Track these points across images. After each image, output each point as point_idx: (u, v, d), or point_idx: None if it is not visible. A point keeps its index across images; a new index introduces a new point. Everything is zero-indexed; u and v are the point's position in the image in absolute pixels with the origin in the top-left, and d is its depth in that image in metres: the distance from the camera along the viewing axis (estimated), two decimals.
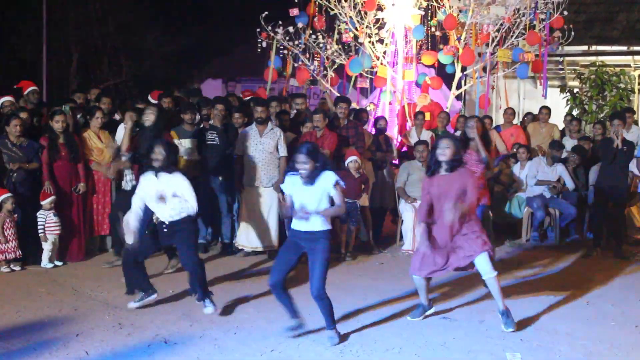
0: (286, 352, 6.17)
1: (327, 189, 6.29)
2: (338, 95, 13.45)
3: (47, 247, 8.99)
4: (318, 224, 6.32)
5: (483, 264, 6.73)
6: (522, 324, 6.87)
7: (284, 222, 9.70)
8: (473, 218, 6.83)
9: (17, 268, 8.80)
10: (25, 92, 10.63)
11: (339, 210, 6.39)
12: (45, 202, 8.96)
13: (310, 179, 6.26)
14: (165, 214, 7.11)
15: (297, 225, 6.40)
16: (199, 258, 7.32)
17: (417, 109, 13.06)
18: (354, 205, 9.80)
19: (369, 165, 10.60)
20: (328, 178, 6.27)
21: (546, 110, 12.77)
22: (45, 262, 9.00)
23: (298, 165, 6.28)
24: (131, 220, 7.15)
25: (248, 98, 11.72)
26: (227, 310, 7.25)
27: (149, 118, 8.91)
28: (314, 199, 6.28)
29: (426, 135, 11.87)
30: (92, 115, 9.69)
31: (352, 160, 9.78)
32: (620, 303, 7.73)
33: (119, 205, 8.96)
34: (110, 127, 9.95)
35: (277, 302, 6.57)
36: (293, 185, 6.39)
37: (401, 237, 10.51)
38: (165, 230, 7.18)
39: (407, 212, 10.24)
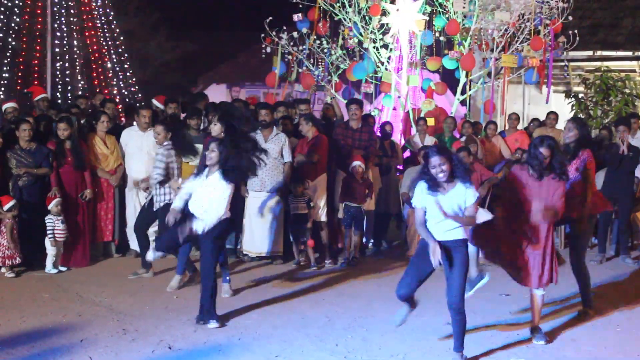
0: (290, 357, 6.15)
1: (462, 204, 5.92)
2: (343, 100, 13.44)
3: (51, 252, 8.98)
4: (456, 233, 5.96)
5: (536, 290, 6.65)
6: (527, 330, 6.86)
7: (288, 227, 9.70)
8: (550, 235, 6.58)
9: (13, 274, 8.76)
10: (36, 99, 10.63)
11: (470, 220, 6.00)
12: (51, 205, 8.95)
13: (449, 181, 5.88)
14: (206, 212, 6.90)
15: (433, 234, 6.04)
16: (214, 275, 7.01)
17: (422, 115, 13.05)
18: (359, 209, 9.79)
19: (375, 171, 10.60)
20: (470, 195, 5.91)
21: (554, 115, 12.76)
22: (49, 268, 8.99)
23: (435, 170, 5.88)
24: (177, 202, 7.09)
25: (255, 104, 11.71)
26: (231, 317, 7.23)
27: (215, 129, 8.13)
28: (450, 208, 5.92)
29: (430, 140, 11.86)
30: (98, 120, 9.71)
31: (355, 166, 9.76)
32: (625, 309, 7.71)
33: (144, 220, 8.86)
34: (115, 132, 9.97)
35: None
36: (425, 196, 5.98)
37: (406, 242, 10.49)
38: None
39: (412, 218, 10.22)
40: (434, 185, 5.94)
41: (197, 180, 7.05)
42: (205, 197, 6.89)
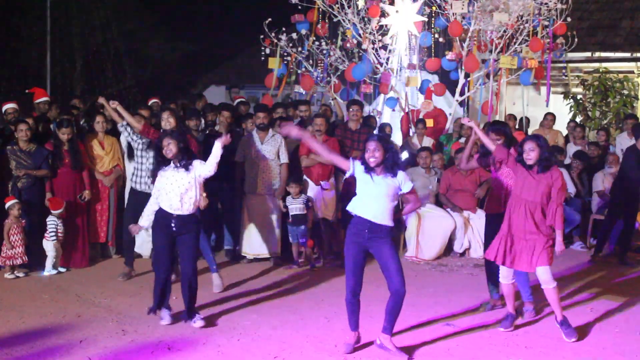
0: (289, 358, 6.17)
1: (397, 191, 6.16)
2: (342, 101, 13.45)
3: (51, 253, 8.99)
4: (382, 217, 6.13)
5: (543, 274, 6.70)
6: (525, 331, 6.88)
7: (286, 228, 9.70)
8: (554, 219, 6.70)
9: (22, 274, 8.81)
10: (36, 101, 10.62)
11: (415, 207, 6.52)
12: (60, 210, 8.95)
13: (380, 169, 6.11)
14: (178, 205, 6.89)
15: (359, 211, 6.19)
16: (196, 267, 7.08)
17: (421, 116, 13.05)
18: None
19: None
20: (404, 183, 6.16)
21: (551, 116, 12.78)
22: (49, 269, 8.99)
23: (368, 154, 6.09)
24: (145, 218, 7.07)
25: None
26: (230, 317, 7.24)
27: (169, 122, 8.51)
28: (380, 194, 6.11)
29: (428, 142, 11.88)
30: (93, 121, 9.68)
31: None
32: (624, 310, 7.73)
33: (132, 209, 8.76)
34: (115, 132, 9.97)
35: (347, 309, 6.42)
36: (360, 174, 6.20)
37: (404, 244, 10.50)
38: (173, 226, 6.90)
39: (411, 219, 10.25)
40: (367, 167, 6.16)
41: (164, 176, 6.94)
42: (180, 194, 6.87)
